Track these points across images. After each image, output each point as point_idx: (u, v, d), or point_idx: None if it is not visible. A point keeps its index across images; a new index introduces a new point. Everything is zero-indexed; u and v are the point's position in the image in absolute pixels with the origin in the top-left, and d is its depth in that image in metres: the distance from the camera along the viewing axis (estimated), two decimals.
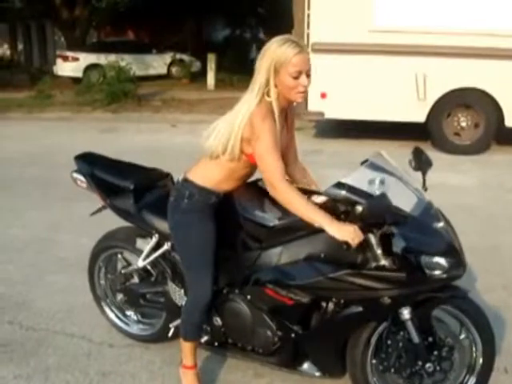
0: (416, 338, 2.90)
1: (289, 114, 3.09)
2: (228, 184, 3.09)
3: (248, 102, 2.86)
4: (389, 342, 3.02)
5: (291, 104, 3.01)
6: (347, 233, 2.61)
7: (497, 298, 4.43)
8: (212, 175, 3.06)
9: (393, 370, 3.03)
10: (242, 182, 3.15)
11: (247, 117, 2.81)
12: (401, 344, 2.98)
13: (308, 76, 2.84)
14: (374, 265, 2.71)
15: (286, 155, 3.17)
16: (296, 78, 2.79)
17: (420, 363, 2.96)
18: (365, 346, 2.99)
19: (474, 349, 2.98)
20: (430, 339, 2.93)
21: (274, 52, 2.78)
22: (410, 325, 2.88)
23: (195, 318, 3.20)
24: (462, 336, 3.01)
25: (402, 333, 2.96)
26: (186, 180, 3.14)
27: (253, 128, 2.80)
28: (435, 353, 2.95)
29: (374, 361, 3.04)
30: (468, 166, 8.91)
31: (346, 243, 2.60)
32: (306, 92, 2.87)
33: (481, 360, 2.96)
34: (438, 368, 2.96)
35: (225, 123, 2.92)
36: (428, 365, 2.94)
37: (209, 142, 2.96)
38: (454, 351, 3.00)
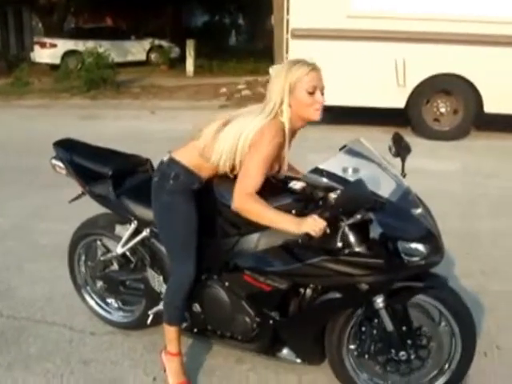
0: (390, 327, 2.91)
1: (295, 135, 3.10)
2: (211, 173, 3.10)
3: (259, 118, 2.87)
4: (363, 328, 3.05)
5: (303, 126, 3.00)
6: (311, 226, 2.62)
7: (475, 282, 4.47)
8: (198, 161, 3.07)
9: (367, 356, 3.06)
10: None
11: (253, 133, 2.83)
12: (375, 331, 3.01)
13: (322, 94, 2.89)
14: (351, 251, 2.70)
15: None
16: (312, 93, 2.83)
17: (393, 351, 2.98)
18: (341, 331, 3.01)
19: (453, 338, 2.98)
20: (404, 328, 2.94)
21: (288, 72, 2.83)
22: (383, 313, 2.90)
23: (178, 300, 3.19)
24: (442, 324, 3.01)
25: (376, 320, 2.98)
26: (171, 160, 3.13)
27: (258, 137, 2.81)
28: (409, 341, 2.95)
29: (351, 346, 3.07)
30: (447, 151, 8.97)
31: (308, 234, 2.62)
32: (321, 109, 2.89)
33: (460, 349, 2.97)
34: (412, 356, 2.97)
35: (228, 136, 2.91)
36: (402, 353, 2.95)
37: (206, 142, 2.98)
38: (431, 340, 3.01)
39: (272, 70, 2.99)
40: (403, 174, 3.12)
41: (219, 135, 2.94)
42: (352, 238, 2.69)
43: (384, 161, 3.00)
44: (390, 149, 3.17)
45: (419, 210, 2.86)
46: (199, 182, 3.12)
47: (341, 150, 3.00)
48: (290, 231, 2.70)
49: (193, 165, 3.08)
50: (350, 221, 2.64)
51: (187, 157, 3.10)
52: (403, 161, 3.18)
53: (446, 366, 3.05)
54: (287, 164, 3.10)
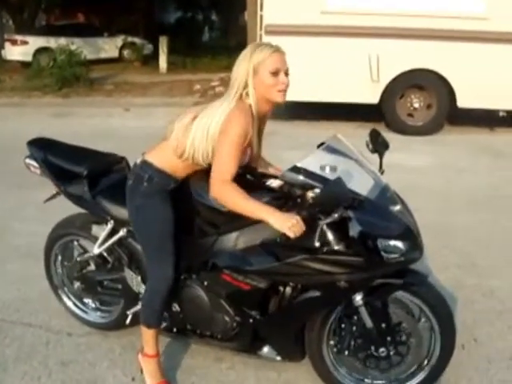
0: (369, 323, 2.92)
1: (264, 120, 3.09)
2: (186, 172, 3.07)
3: (225, 104, 2.85)
4: (343, 325, 3.06)
5: (271, 109, 2.98)
6: (287, 224, 2.59)
7: (451, 276, 4.52)
8: (171, 161, 3.03)
9: (347, 353, 3.08)
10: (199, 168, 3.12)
11: (222, 119, 2.80)
12: (354, 328, 3.02)
13: (286, 75, 2.86)
14: (330, 250, 2.68)
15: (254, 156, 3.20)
16: (275, 74, 2.81)
17: (373, 348, 2.99)
18: (320, 328, 3.02)
19: (432, 334, 3.00)
20: (384, 325, 2.94)
21: (251, 55, 2.82)
22: (363, 310, 2.91)
23: (156, 303, 3.17)
24: (421, 321, 3.02)
25: (355, 317, 2.99)
26: (144, 162, 3.10)
27: (225, 124, 2.78)
28: (388, 338, 2.97)
29: (331, 342, 3.08)
30: (421, 146, 9.04)
31: (285, 235, 2.61)
32: (286, 91, 2.87)
33: (439, 345, 2.98)
34: (392, 352, 2.99)
35: (198, 127, 2.88)
36: (381, 349, 2.97)
37: (177, 139, 2.94)
38: (411, 336, 3.02)
39: None
40: (381, 171, 3.11)
41: (189, 130, 2.90)
42: (331, 237, 2.68)
43: (362, 157, 2.99)
44: (367, 145, 3.16)
45: (398, 207, 2.84)
46: (174, 182, 3.10)
47: (319, 147, 2.98)
48: (269, 223, 2.66)
49: (167, 166, 3.05)
50: (328, 220, 2.64)
51: (161, 158, 3.06)
52: (381, 157, 3.18)
53: (426, 361, 3.07)
54: (260, 149, 3.11)
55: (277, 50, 2.85)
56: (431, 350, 3.04)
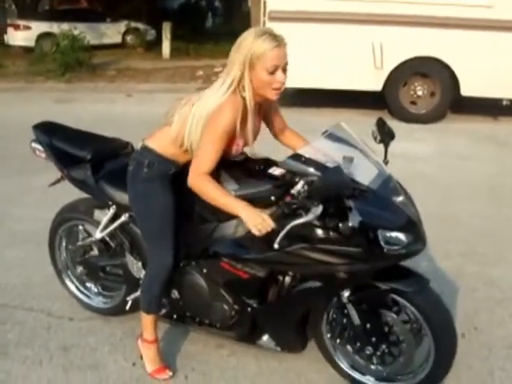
0: (356, 321, 2.91)
1: (264, 105, 3.03)
2: (186, 157, 3.04)
3: (218, 94, 2.78)
4: (334, 315, 3.06)
5: (266, 100, 2.91)
6: (255, 221, 2.58)
7: (453, 264, 4.52)
8: (171, 147, 3.02)
9: (338, 341, 3.10)
10: None
11: (213, 108, 2.76)
12: (344, 320, 3.01)
13: (284, 71, 2.77)
14: (329, 239, 2.65)
15: (272, 126, 3.22)
16: (272, 73, 2.72)
17: (359, 344, 3.00)
18: (319, 316, 3.06)
19: (429, 343, 2.89)
20: (368, 325, 2.92)
21: (252, 44, 2.68)
22: (350, 307, 2.90)
23: (156, 289, 3.18)
24: (414, 327, 2.93)
25: (345, 311, 2.97)
26: (145, 148, 3.10)
27: (213, 117, 2.75)
28: (373, 339, 2.94)
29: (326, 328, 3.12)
30: (424, 134, 9.00)
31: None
32: (281, 88, 2.81)
33: (432, 357, 2.89)
34: (378, 353, 2.97)
35: (193, 119, 2.84)
36: (368, 347, 2.97)
37: (177, 129, 2.92)
38: (402, 342, 2.93)
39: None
40: (386, 161, 3.04)
41: (187, 121, 2.87)
42: (330, 227, 2.64)
43: (366, 146, 2.93)
44: (373, 134, 3.09)
45: (400, 198, 2.78)
46: (175, 166, 3.09)
47: (322, 134, 2.94)
48: (238, 214, 2.67)
49: (167, 151, 3.04)
50: (299, 220, 2.58)
51: (161, 143, 3.05)
52: (386, 147, 3.11)
53: (420, 369, 3.00)
54: (254, 139, 3.04)
55: (278, 45, 2.69)
56: (425, 360, 2.96)
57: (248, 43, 2.69)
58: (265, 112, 3.10)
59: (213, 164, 2.78)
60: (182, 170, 3.07)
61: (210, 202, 2.77)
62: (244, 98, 2.79)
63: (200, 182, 2.78)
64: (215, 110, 2.75)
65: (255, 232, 2.58)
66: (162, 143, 3.05)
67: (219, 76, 2.87)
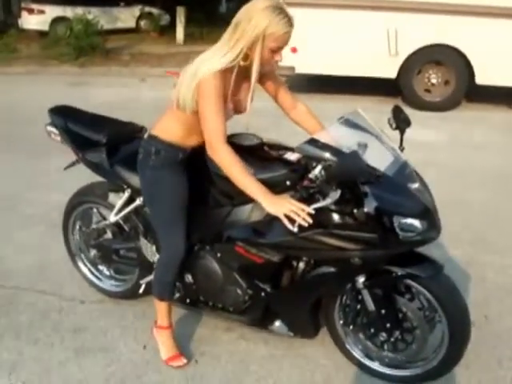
0: (371, 306, 2.92)
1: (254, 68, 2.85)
2: (192, 139, 3.02)
3: (217, 59, 2.72)
4: (348, 301, 3.07)
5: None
6: (279, 207, 2.54)
7: (464, 252, 4.51)
8: (175, 131, 3.00)
9: (351, 327, 3.10)
10: None
11: (208, 74, 2.68)
12: (358, 306, 3.02)
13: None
14: (344, 225, 2.64)
15: (280, 103, 3.20)
16: (274, 52, 2.70)
17: (372, 330, 3.00)
18: (332, 301, 3.07)
19: (443, 329, 2.90)
20: (383, 311, 2.92)
21: (268, 19, 2.60)
22: (365, 293, 2.90)
23: (168, 276, 3.18)
24: (428, 312, 2.94)
25: (360, 297, 2.97)
26: (151, 136, 3.09)
27: (208, 81, 2.68)
28: (388, 325, 2.95)
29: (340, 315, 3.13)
30: (438, 122, 8.96)
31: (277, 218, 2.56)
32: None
33: (447, 340, 2.88)
34: (392, 339, 2.98)
35: (187, 74, 2.80)
36: (382, 333, 2.98)
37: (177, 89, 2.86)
38: (416, 328, 2.94)
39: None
40: (401, 148, 3.03)
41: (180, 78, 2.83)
42: (346, 212, 2.63)
43: (382, 133, 2.93)
44: (389, 121, 3.06)
45: (416, 185, 2.76)
46: (183, 152, 3.06)
47: (338, 120, 2.91)
48: (258, 201, 2.61)
49: (172, 137, 3.01)
50: (318, 204, 2.56)
51: (165, 129, 3.03)
52: (402, 134, 3.08)
53: (433, 355, 3.01)
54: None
55: (290, 30, 2.66)
56: (439, 345, 2.96)
57: (265, 16, 2.60)
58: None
59: (222, 125, 2.70)
60: (193, 154, 3.07)
61: (230, 177, 2.68)
62: (239, 66, 2.75)
63: (220, 151, 2.69)
64: (207, 77, 2.68)
65: (282, 219, 2.52)
66: (167, 129, 3.02)
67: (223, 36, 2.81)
